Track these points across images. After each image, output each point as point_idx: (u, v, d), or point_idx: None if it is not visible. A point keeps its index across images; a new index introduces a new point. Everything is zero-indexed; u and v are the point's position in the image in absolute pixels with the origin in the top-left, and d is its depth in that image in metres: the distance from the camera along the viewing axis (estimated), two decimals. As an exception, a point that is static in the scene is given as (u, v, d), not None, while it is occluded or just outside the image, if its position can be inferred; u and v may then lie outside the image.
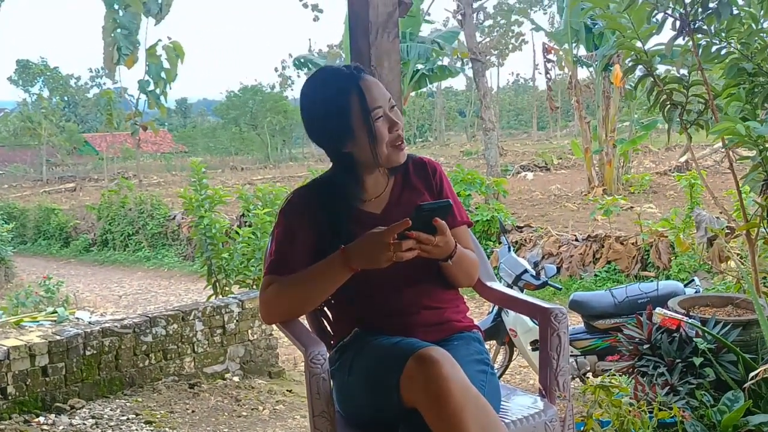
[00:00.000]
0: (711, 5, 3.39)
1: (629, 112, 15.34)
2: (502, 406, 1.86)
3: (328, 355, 1.82)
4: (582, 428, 2.21)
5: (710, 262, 7.07)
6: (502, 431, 1.61)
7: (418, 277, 1.93)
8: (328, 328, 2.09)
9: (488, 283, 2.14)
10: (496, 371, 1.93)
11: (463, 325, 1.96)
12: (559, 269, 8.41)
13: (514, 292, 2.14)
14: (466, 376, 1.62)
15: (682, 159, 16.49)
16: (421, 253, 1.76)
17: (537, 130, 43.98)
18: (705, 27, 3.48)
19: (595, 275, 8.09)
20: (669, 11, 3.52)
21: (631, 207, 10.95)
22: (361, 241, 1.77)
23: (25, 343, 4.12)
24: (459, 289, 2.03)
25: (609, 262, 8.14)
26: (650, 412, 2.38)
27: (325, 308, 2.09)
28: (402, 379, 1.64)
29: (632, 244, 8.07)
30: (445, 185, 2.01)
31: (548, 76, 14.80)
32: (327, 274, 1.82)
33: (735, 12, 3.46)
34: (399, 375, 1.64)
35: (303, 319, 2.01)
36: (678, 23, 3.47)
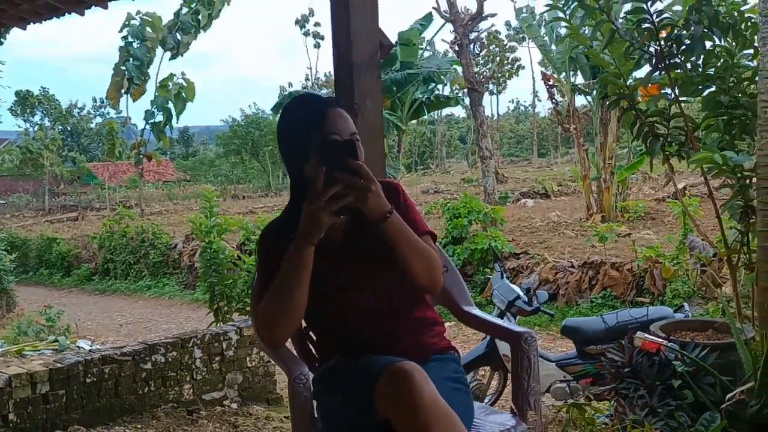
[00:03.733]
0: (685, 41, 3.53)
1: (628, 139, 15.49)
2: (475, 423, 1.95)
3: (310, 375, 1.91)
4: (559, 448, 2.29)
5: (704, 289, 7.15)
6: None
7: (394, 303, 2.01)
8: (313, 351, 2.18)
9: (465, 308, 2.24)
10: (471, 390, 2.02)
11: (439, 347, 2.05)
12: (555, 296, 8.51)
13: (488, 317, 2.24)
14: (437, 390, 1.71)
15: (680, 185, 16.60)
16: (354, 200, 1.81)
17: (538, 157, 44.24)
18: (680, 62, 3.61)
19: (591, 301, 8.16)
20: (645, 48, 3.66)
21: (629, 233, 11.04)
22: (302, 215, 1.84)
23: (26, 370, 4.20)
24: (434, 308, 2.11)
25: (605, 288, 8.22)
26: (624, 431, 2.46)
27: (311, 333, 2.18)
28: (376, 392, 1.73)
29: (627, 270, 8.16)
30: (409, 205, 2.08)
31: (554, 100, 14.96)
32: (292, 261, 1.88)
33: (709, 47, 3.59)
34: (373, 389, 1.73)
35: (289, 344, 2.10)
36: (654, 60, 3.61)
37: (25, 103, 46.49)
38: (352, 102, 2.44)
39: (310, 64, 70.73)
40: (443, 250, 2.18)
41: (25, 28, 4.88)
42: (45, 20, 4.58)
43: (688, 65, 3.77)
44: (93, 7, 4.26)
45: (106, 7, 4.13)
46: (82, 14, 4.34)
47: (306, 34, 48.33)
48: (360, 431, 1.85)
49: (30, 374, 4.16)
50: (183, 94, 21.87)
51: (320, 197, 1.78)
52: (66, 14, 4.40)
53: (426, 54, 16.30)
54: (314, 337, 2.17)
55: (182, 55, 21.72)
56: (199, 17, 21.30)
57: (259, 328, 2.02)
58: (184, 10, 21.45)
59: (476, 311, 2.24)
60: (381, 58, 2.57)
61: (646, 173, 20.40)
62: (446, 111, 50.91)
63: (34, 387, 4.17)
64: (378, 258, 1.96)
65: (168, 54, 21.58)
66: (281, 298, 1.90)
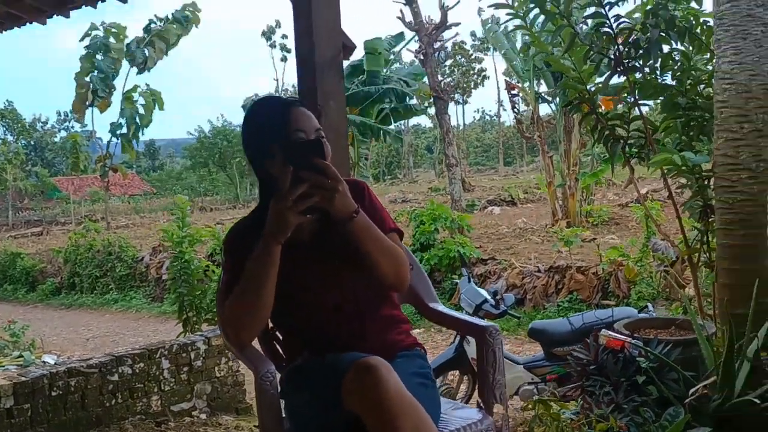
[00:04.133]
0: (642, 45, 3.61)
1: (591, 147, 15.70)
2: (443, 418, 1.97)
3: (277, 374, 1.92)
4: (525, 443, 2.33)
5: (668, 290, 7.27)
6: None
7: (360, 302, 2.03)
8: (280, 351, 2.19)
9: (431, 305, 2.27)
10: (437, 385, 2.04)
11: (405, 344, 2.07)
12: (522, 300, 8.58)
13: (453, 312, 2.28)
14: (403, 384, 1.74)
15: (643, 190, 16.88)
16: (321, 199, 1.81)
17: (504, 165, 44.63)
18: (639, 66, 3.69)
19: (558, 305, 8.25)
20: (604, 52, 3.74)
21: (594, 238, 11.18)
22: (268, 216, 1.85)
23: (-11, 385, 4.13)
24: (400, 307, 2.14)
25: (571, 292, 8.31)
26: (590, 426, 2.50)
27: (277, 332, 2.19)
28: (343, 386, 1.75)
29: (593, 274, 8.27)
30: (374, 201, 2.09)
31: (515, 110, 15.14)
32: (258, 260, 1.88)
33: (666, 51, 3.68)
34: (340, 385, 1.75)
35: (256, 343, 2.11)
36: (613, 63, 3.68)
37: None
38: (315, 103, 2.46)
39: (277, 76, 70.68)
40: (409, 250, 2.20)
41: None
42: (6, 29, 4.53)
43: (647, 69, 3.86)
44: (55, 16, 4.23)
45: (68, 16, 4.10)
46: (44, 23, 4.31)
47: (272, 46, 48.21)
48: (328, 428, 1.86)
49: (-7, 388, 4.09)
50: (150, 104, 21.73)
51: (287, 197, 1.79)
52: (27, 23, 4.36)
53: (394, 66, 16.41)
54: (280, 337, 2.18)
55: (149, 71, 21.64)
56: (168, 36, 21.25)
57: (225, 328, 2.02)
58: (153, 25, 21.38)
59: (441, 307, 2.27)
60: (344, 59, 2.60)
61: (610, 180, 20.70)
62: (413, 121, 51.18)
63: (-2, 401, 4.10)
64: (344, 257, 1.97)
65: (135, 68, 21.47)
66: (247, 297, 1.90)
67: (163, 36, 21.23)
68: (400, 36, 16.54)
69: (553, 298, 8.40)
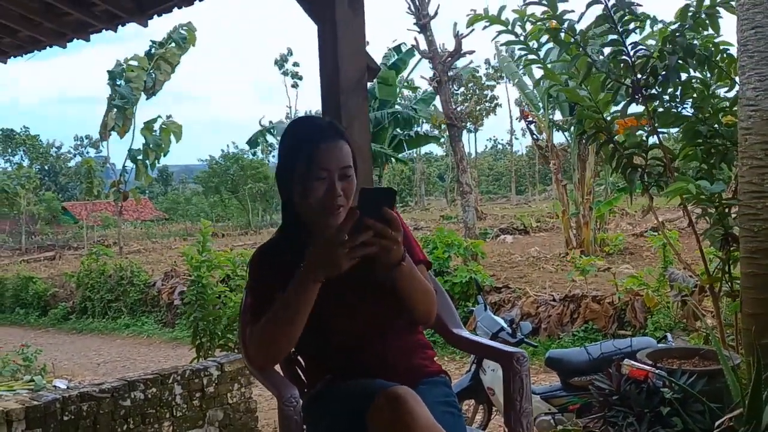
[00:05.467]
0: (661, 73, 3.59)
1: (605, 175, 15.67)
2: (470, 447, 1.93)
3: (300, 400, 1.89)
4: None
5: (685, 320, 7.18)
6: None
7: (384, 325, 2.00)
8: (302, 377, 2.15)
9: (455, 330, 2.23)
10: (464, 416, 2.00)
11: (430, 370, 2.03)
12: (537, 329, 8.49)
13: (479, 339, 2.24)
14: (431, 414, 1.70)
15: (655, 221, 16.77)
16: (378, 249, 1.78)
17: (516, 194, 44.56)
18: (657, 93, 3.67)
19: (573, 335, 8.15)
20: (622, 80, 3.72)
21: (608, 268, 11.10)
22: (316, 250, 1.81)
23: (2, 409, 4.10)
24: (424, 333, 2.10)
25: (586, 322, 8.22)
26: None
27: (299, 357, 2.16)
28: (369, 416, 1.71)
29: (609, 303, 8.18)
30: (407, 233, 2.06)
31: (534, 136, 15.11)
32: (297, 295, 1.85)
33: (684, 78, 3.66)
34: (367, 413, 1.71)
35: (278, 368, 2.08)
36: (631, 91, 3.67)
37: (9, 142, 46.26)
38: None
39: (290, 103, 71.17)
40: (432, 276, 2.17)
41: (5, 62, 4.86)
42: (27, 53, 4.57)
43: (666, 96, 3.83)
44: (75, 39, 4.26)
45: (88, 40, 4.13)
46: (64, 47, 4.34)
47: (285, 73, 48.64)
48: None
49: (5, 412, 4.06)
50: (168, 135, 22.08)
51: (344, 242, 1.75)
52: (48, 47, 4.39)
53: (405, 92, 16.49)
54: (302, 362, 2.15)
55: (156, 95, 21.99)
56: (171, 59, 21.62)
57: (250, 351, 1.99)
58: (153, 50, 21.80)
59: (466, 333, 2.23)
60: (368, 81, 2.59)
61: (624, 209, 20.62)
62: (425, 149, 51.31)
63: (10, 425, 4.06)
64: (369, 283, 1.95)
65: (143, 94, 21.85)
66: (279, 327, 1.88)
67: (166, 58, 21.61)
68: (410, 51, 16.54)
69: (568, 328, 8.30)
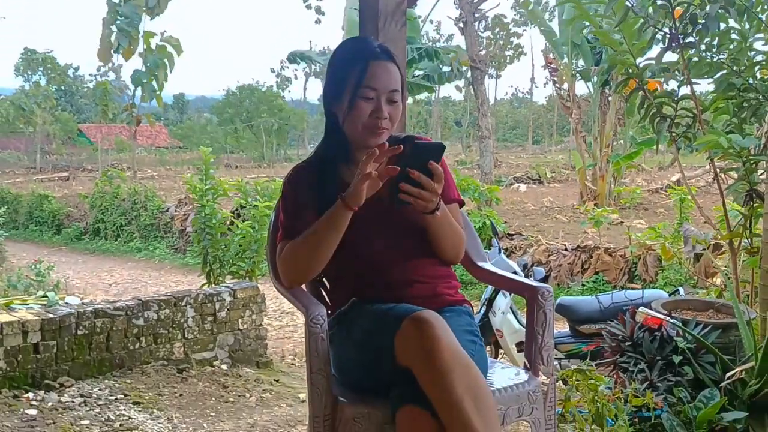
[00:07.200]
0: (700, 21, 3.49)
1: (625, 129, 15.50)
2: (489, 376, 1.95)
3: (327, 317, 1.91)
4: (560, 412, 2.30)
5: (696, 277, 7.18)
6: (488, 393, 1.71)
7: (411, 252, 2.01)
8: (326, 298, 2.17)
9: (480, 263, 2.23)
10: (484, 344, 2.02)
11: (454, 299, 2.05)
12: (547, 278, 8.52)
13: (504, 272, 2.24)
14: (456, 340, 1.72)
15: (674, 178, 16.66)
16: (418, 201, 1.83)
17: (532, 144, 44.20)
18: (694, 42, 3.58)
19: (583, 285, 8.19)
20: (659, 26, 3.63)
21: (621, 222, 11.08)
22: (355, 185, 1.85)
23: (18, 319, 4.16)
24: (451, 267, 2.11)
25: (597, 273, 8.25)
26: (626, 401, 2.46)
27: (324, 279, 2.17)
28: (397, 338, 1.74)
29: (620, 256, 8.19)
30: (446, 167, 2.05)
31: (556, 84, 14.93)
32: (334, 220, 1.90)
33: (723, 28, 3.56)
34: (394, 335, 1.74)
35: (305, 288, 2.11)
36: (668, 38, 3.57)
37: (31, 61, 45.94)
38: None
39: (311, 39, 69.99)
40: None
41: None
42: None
43: (702, 46, 3.74)
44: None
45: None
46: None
47: (308, 7, 47.84)
48: (375, 377, 1.85)
49: (22, 323, 4.12)
50: (170, 50, 21.52)
51: (367, 170, 1.81)
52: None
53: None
54: (327, 284, 2.17)
55: (160, 15, 21.33)
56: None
57: (280, 268, 2.02)
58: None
59: (490, 266, 2.23)
60: (408, 6, 2.54)
61: (641, 165, 20.48)
62: (443, 92, 50.73)
63: (25, 336, 4.13)
64: (402, 215, 1.96)
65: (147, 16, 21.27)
66: (312, 248, 1.93)
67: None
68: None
69: (578, 277, 8.34)
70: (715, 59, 3.70)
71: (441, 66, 14.37)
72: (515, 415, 1.93)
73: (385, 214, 1.96)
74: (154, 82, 21.59)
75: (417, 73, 14.47)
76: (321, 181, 2.01)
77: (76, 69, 55.12)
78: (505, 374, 2.02)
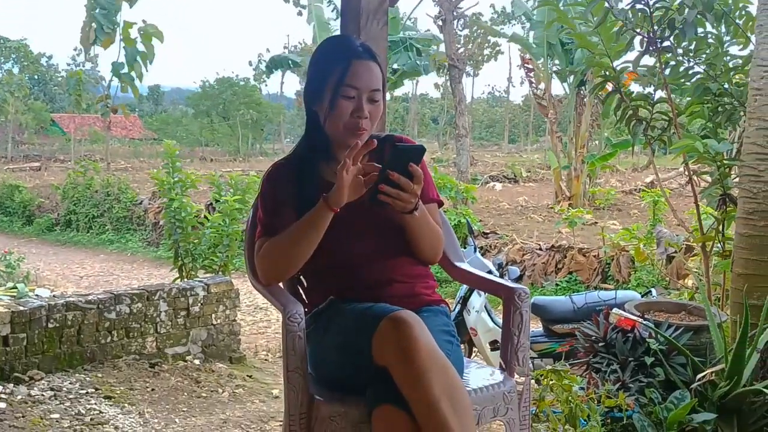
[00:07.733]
0: (678, 26, 3.53)
1: (601, 130, 15.63)
2: (465, 376, 1.95)
3: (304, 316, 1.91)
4: (534, 412, 2.31)
5: (668, 278, 7.27)
6: (464, 393, 1.72)
7: (390, 252, 2.02)
8: (304, 297, 2.16)
9: (457, 264, 2.24)
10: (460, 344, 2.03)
11: (431, 299, 2.05)
12: (521, 277, 8.58)
13: (481, 273, 2.24)
14: (434, 340, 1.72)
15: (648, 180, 16.84)
16: (397, 201, 1.84)
17: (508, 143, 44.43)
18: (671, 46, 3.63)
19: (556, 284, 8.25)
20: (638, 30, 3.66)
21: (596, 222, 11.18)
22: (338, 186, 1.85)
23: (-13, 312, 4.10)
24: (429, 266, 2.12)
25: (570, 273, 8.31)
26: (599, 402, 2.49)
27: (302, 277, 2.16)
28: (374, 338, 1.74)
29: (594, 256, 8.27)
30: (425, 168, 2.06)
31: (532, 84, 15.01)
32: (314, 220, 1.90)
33: (701, 33, 3.61)
34: (372, 334, 1.74)
35: (282, 286, 2.10)
36: (646, 42, 3.62)
37: (1, 50, 45.18)
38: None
39: (289, 34, 69.59)
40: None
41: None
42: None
43: (679, 50, 3.78)
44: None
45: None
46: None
47: (287, 1, 47.57)
48: (351, 376, 1.85)
49: (-9, 315, 4.06)
50: (150, 38, 21.22)
51: (349, 167, 1.82)
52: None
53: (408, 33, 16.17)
54: (305, 282, 2.16)
55: (136, 2, 21.00)
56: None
57: (259, 266, 2.02)
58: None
59: (467, 267, 2.24)
60: (390, 5, 2.53)
61: (615, 166, 20.67)
62: (420, 89, 50.78)
63: (-5, 329, 4.07)
64: (380, 214, 1.96)
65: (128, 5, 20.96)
66: (293, 247, 1.94)
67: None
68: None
69: (551, 277, 8.41)
70: (691, 63, 3.75)
71: (418, 61, 14.38)
72: (490, 415, 1.94)
73: (365, 214, 1.95)
74: (133, 72, 21.22)
75: (395, 66, 14.47)
76: (300, 178, 2.01)
77: (50, 58, 54.38)
78: (480, 374, 2.03)
